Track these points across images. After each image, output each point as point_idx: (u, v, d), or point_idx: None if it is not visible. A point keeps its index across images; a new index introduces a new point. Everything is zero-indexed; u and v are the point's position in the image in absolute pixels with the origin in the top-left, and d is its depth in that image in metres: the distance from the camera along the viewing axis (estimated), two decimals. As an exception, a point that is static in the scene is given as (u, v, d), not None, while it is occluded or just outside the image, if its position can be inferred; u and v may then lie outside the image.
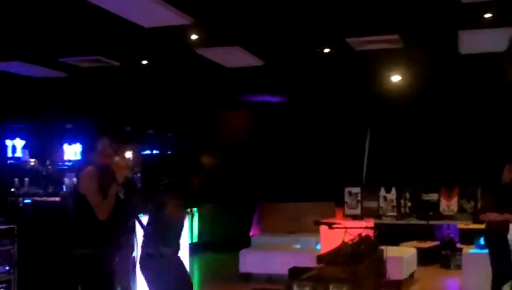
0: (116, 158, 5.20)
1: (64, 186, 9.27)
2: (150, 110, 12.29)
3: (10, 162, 10.14)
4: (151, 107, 12.19)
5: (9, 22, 7.28)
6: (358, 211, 10.69)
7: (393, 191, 12.54)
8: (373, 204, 12.17)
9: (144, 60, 9.44)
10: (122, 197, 5.01)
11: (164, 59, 9.41)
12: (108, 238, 5.01)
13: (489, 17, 7.28)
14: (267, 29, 7.88)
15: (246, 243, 11.60)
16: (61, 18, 7.16)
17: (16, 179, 9.03)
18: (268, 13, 7.19)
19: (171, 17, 6.86)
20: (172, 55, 9.18)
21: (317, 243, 9.69)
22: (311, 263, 5.77)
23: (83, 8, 6.46)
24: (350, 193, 10.77)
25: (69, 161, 10.88)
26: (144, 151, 12.29)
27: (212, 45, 8.44)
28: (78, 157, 11.10)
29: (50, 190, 9.24)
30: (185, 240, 9.62)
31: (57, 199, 8.98)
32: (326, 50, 8.95)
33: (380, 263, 6.20)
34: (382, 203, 12.42)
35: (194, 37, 7.93)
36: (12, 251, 7.65)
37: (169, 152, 13.01)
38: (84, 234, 4.96)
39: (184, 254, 9.40)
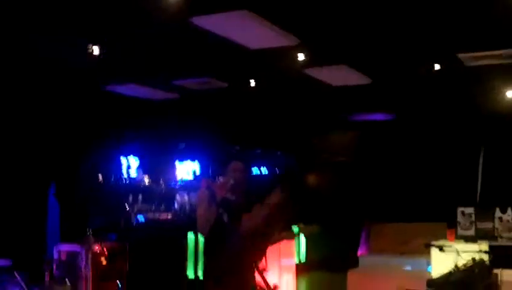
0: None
1: (175, 203, 9.60)
2: (258, 130, 12.47)
3: (126, 182, 10.60)
4: (259, 127, 12.37)
5: (123, 47, 7.66)
6: (472, 232, 10.22)
7: (510, 211, 11.95)
8: (488, 225, 11.64)
9: (252, 80, 9.62)
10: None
11: (271, 79, 9.54)
12: None
13: None
14: (374, 47, 7.79)
15: (354, 263, 11.42)
16: (171, 40, 7.45)
17: (130, 197, 9.44)
18: (375, 30, 7.11)
19: (276, 39, 6.95)
20: (278, 75, 9.29)
21: (428, 265, 9.37)
22: (421, 285, 5.61)
23: (189, 29, 6.68)
24: (463, 213, 10.34)
25: (181, 179, 11.24)
26: (252, 170, 12.48)
27: (318, 65, 8.46)
28: (191, 176, 11.44)
29: (162, 207, 9.59)
30: (293, 260, 9.67)
31: (169, 216, 9.31)
32: (437, 66, 8.71)
33: (494, 288, 5.92)
34: (497, 225, 11.85)
35: (300, 57, 7.98)
36: (124, 267, 7.97)
37: (277, 170, 13.13)
38: None
39: (291, 274, 9.47)
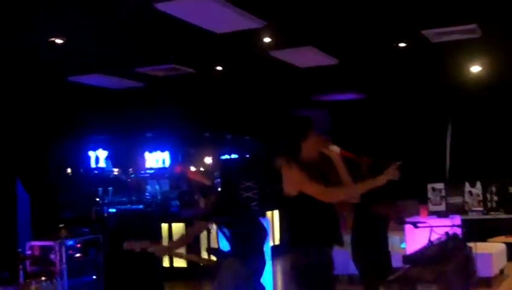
0: None
1: (147, 194, 9.51)
2: (226, 115, 12.40)
3: (95, 173, 10.47)
4: (227, 112, 12.30)
5: (86, 37, 7.51)
6: (443, 208, 10.34)
7: (479, 185, 12.17)
8: (458, 199, 11.84)
9: (219, 65, 9.53)
10: None
11: (238, 63, 9.47)
12: None
13: None
14: (339, 27, 7.77)
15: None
16: (135, 28, 7.32)
17: (100, 189, 9.33)
18: (339, 10, 7.09)
19: (242, 22, 6.88)
20: (245, 59, 9.22)
21: (401, 241, 9.47)
22: (396, 262, 5.65)
23: (153, 16, 6.57)
24: (433, 189, 10.46)
25: (151, 168, 11.14)
26: (222, 156, 12.43)
27: (284, 47, 8.41)
28: (160, 165, 11.35)
29: (134, 198, 9.50)
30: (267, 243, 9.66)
31: (140, 206, 9.23)
32: (402, 44, 8.74)
33: (468, 261, 5.98)
34: (467, 199, 12.07)
35: (266, 40, 7.92)
36: (98, 260, 7.87)
37: (248, 156, 13.09)
38: None
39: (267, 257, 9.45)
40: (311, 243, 4.31)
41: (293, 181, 4.34)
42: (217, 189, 5.81)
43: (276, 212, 12.66)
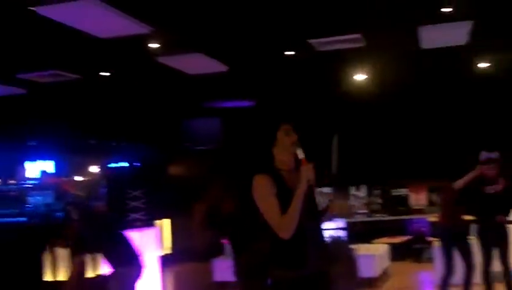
0: None
1: (29, 205, 9.08)
2: (115, 122, 12.09)
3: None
4: (116, 119, 12.00)
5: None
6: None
7: (364, 189, 12.63)
8: (344, 203, 12.21)
9: (105, 71, 9.28)
10: None
11: (125, 69, 9.26)
12: None
13: (447, 11, 7.30)
14: (229, 34, 7.79)
15: (220, 251, 11.45)
16: (13, 33, 6.98)
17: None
18: (229, 18, 7.10)
19: (128, 27, 6.72)
20: (133, 65, 9.04)
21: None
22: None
23: (33, 21, 6.30)
24: (321, 194, 10.69)
25: (33, 178, 10.65)
26: (109, 164, 12.10)
27: (173, 53, 8.32)
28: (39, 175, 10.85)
29: (15, 211, 9.04)
30: (156, 252, 9.50)
31: (23, 219, 8.79)
32: (290, 53, 8.89)
33: (351, 263, 6.16)
34: (353, 202, 12.49)
35: (153, 45, 7.80)
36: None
37: (137, 164, 12.83)
38: None
39: (155, 267, 9.30)
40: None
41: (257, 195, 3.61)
42: (88, 205, 5.69)
43: (166, 221, 12.48)
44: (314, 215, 3.78)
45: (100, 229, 5.62)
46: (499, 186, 6.96)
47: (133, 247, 5.74)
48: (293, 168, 3.75)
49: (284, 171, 3.72)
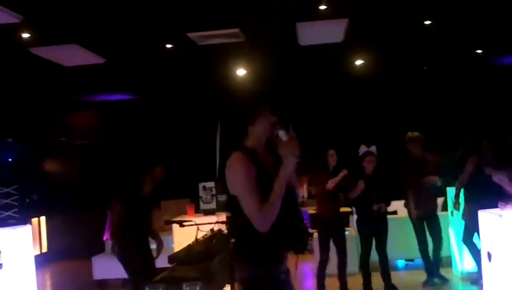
0: None
1: None
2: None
3: None
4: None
5: None
6: (213, 205, 10.66)
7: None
8: (225, 197, 12.30)
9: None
10: None
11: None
12: None
13: (323, 9, 7.53)
14: (105, 26, 7.60)
15: (101, 248, 11.18)
16: None
17: None
18: (105, 9, 6.93)
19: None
20: (5, 56, 8.58)
21: (173, 242, 9.54)
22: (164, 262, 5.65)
23: None
24: (205, 188, 10.73)
25: None
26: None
27: (46, 44, 7.99)
28: None
29: None
30: (31, 252, 9.10)
31: None
32: (169, 45, 8.82)
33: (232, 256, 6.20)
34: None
35: (25, 35, 7.46)
36: None
37: (10, 160, 12.21)
38: None
39: (30, 267, 8.91)
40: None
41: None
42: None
43: (43, 219, 12.01)
44: (293, 204, 3.18)
45: None
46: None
47: None
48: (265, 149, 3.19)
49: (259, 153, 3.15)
